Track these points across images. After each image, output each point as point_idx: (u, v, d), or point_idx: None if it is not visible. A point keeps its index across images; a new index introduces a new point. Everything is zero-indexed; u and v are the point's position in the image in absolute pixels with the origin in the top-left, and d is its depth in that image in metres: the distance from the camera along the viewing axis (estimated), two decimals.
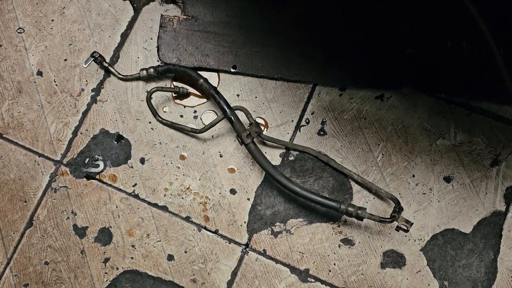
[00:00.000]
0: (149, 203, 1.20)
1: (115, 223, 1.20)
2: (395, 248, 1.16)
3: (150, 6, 1.30)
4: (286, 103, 1.24)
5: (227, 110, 1.15)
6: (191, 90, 1.25)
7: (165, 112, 1.25)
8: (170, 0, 1.30)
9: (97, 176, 1.22)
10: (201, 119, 1.24)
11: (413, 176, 1.19)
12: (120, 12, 1.30)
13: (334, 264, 1.15)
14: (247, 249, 1.17)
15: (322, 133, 1.22)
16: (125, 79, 1.26)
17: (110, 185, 1.21)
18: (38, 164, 1.23)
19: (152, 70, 1.22)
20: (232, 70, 1.25)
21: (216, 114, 1.24)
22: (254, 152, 1.13)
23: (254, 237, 1.18)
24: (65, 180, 1.22)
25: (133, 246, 1.19)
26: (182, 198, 1.20)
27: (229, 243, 1.18)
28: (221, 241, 1.18)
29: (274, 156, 1.21)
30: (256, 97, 1.24)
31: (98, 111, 1.25)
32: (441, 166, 1.19)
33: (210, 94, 1.17)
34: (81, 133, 1.24)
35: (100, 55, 1.25)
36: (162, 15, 1.28)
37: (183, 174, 1.21)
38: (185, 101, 1.25)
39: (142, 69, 1.23)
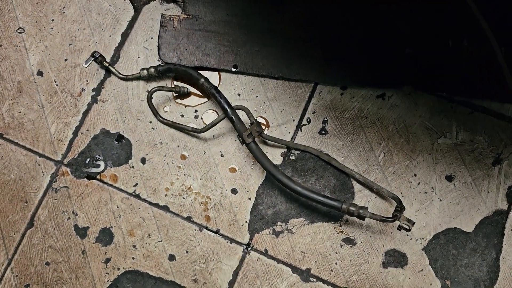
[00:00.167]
0: (150, 203, 1.20)
1: (116, 223, 1.19)
2: (397, 247, 1.15)
3: (151, 5, 1.30)
4: (287, 102, 1.23)
5: (228, 109, 1.14)
6: (191, 89, 1.25)
7: (165, 111, 1.24)
8: None
9: (98, 176, 1.22)
10: (202, 118, 1.24)
11: (415, 175, 1.18)
12: (121, 11, 1.30)
13: (336, 263, 1.15)
14: (249, 249, 1.17)
15: (323, 132, 1.22)
16: (126, 78, 1.25)
17: (111, 185, 1.21)
18: (39, 165, 1.23)
19: (152, 69, 1.22)
20: (233, 69, 1.25)
21: (217, 113, 1.24)
22: (255, 152, 1.12)
23: (255, 237, 1.17)
24: (65, 180, 1.22)
25: (134, 246, 1.18)
26: (183, 198, 1.20)
27: (231, 243, 1.18)
28: (223, 241, 1.18)
29: (275, 156, 1.21)
30: (257, 97, 1.24)
31: (99, 111, 1.25)
32: (443, 165, 1.18)
33: (211, 93, 1.17)
34: (81, 133, 1.24)
35: (101, 55, 1.25)
36: (162, 14, 1.28)
37: (184, 174, 1.21)
38: (186, 101, 1.25)
39: (142, 69, 1.23)
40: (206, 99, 1.25)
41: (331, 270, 1.15)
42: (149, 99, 1.22)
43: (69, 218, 1.20)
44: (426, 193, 1.17)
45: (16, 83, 1.27)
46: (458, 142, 1.19)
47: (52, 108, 1.25)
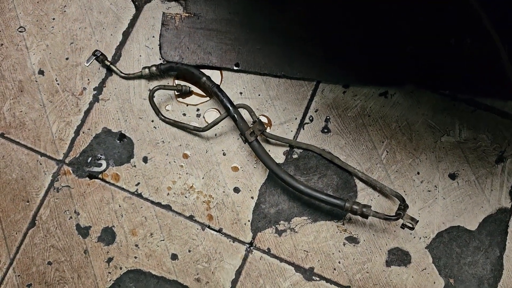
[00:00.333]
0: (152, 202, 1.20)
1: (118, 223, 1.19)
2: (400, 246, 1.15)
3: (152, 4, 1.29)
4: (290, 101, 1.23)
5: (230, 108, 1.14)
6: (193, 88, 1.25)
7: (167, 110, 1.24)
8: None
9: (100, 176, 1.21)
10: (204, 117, 1.23)
11: (418, 173, 1.18)
12: (122, 10, 1.30)
13: (339, 262, 1.15)
14: (251, 247, 1.17)
15: (326, 130, 1.21)
16: (127, 77, 1.25)
17: (113, 184, 1.21)
18: (40, 164, 1.22)
19: (154, 68, 1.22)
20: (235, 67, 1.24)
21: (219, 112, 1.24)
22: (257, 150, 1.12)
23: (258, 236, 1.17)
24: (67, 180, 1.21)
25: (136, 245, 1.18)
26: (186, 197, 1.19)
27: (233, 242, 1.17)
28: (225, 240, 1.17)
29: (277, 154, 1.20)
30: (259, 95, 1.24)
31: (100, 110, 1.24)
32: (446, 163, 1.18)
33: (213, 92, 1.17)
34: (83, 132, 1.23)
35: (102, 54, 1.24)
36: (164, 13, 1.27)
37: (186, 173, 1.20)
38: (187, 99, 1.25)
39: (144, 68, 1.23)
40: (208, 98, 1.24)
41: (334, 269, 1.15)
42: (151, 98, 1.21)
43: (71, 217, 1.20)
44: (429, 191, 1.17)
45: (17, 82, 1.26)
46: (461, 140, 1.19)
47: (53, 107, 1.25)
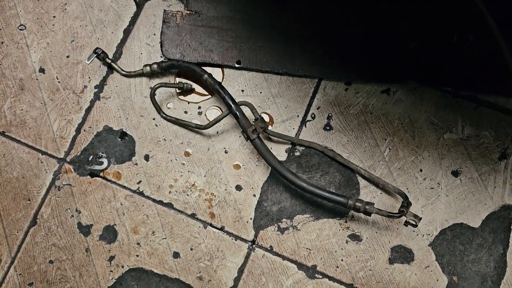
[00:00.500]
0: (154, 200, 1.19)
1: (120, 221, 1.19)
2: (403, 243, 1.14)
3: (153, 1, 1.29)
4: (292, 98, 1.23)
5: (232, 105, 1.13)
6: (195, 86, 1.24)
7: (169, 108, 1.24)
8: None
9: (101, 174, 1.21)
10: (205, 115, 1.23)
11: (421, 170, 1.17)
12: (123, 7, 1.29)
13: (342, 260, 1.14)
14: (254, 245, 1.16)
15: (328, 128, 1.21)
16: (128, 75, 1.24)
17: (115, 183, 1.20)
18: (42, 162, 1.22)
19: (155, 66, 1.21)
20: (237, 65, 1.24)
21: (221, 110, 1.23)
22: (260, 148, 1.12)
23: (260, 234, 1.17)
24: (69, 178, 1.21)
25: (138, 243, 1.17)
26: (187, 195, 1.19)
27: (235, 240, 1.17)
28: (227, 238, 1.17)
29: (279, 152, 1.20)
30: (261, 92, 1.23)
31: (102, 108, 1.24)
32: (448, 160, 1.18)
33: (215, 89, 1.16)
34: (84, 131, 1.23)
35: (103, 52, 1.24)
36: (165, 10, 1.27)
37: (188, 171, 1.20)
38: (189, 97, 1.24)
39: (145, 65, 1.22)
40: (209, 96, 1.24)
41: (337, 267, 1.14)
42: (152, 95, 1.21)
43: (72, 215, 1.19)
44: (432, 188, 1.17)
45: (18, 80, 1.26)
46: (464, 137, 1.19)
47: (54, 105, 1.24)
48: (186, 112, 1.23)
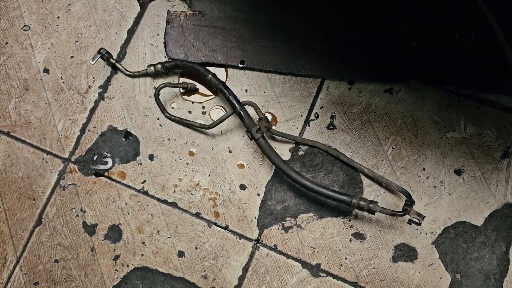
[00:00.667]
0: (158, 199, 1.20)
1: (124, 220, 1.19)
2: (407, 241, 1.15)
3: (156, 2, 1.29)
4: (295, 98, 1.23)
5: (237, 105, 1.14)
6: (198, 85, 1.25)
7: (173, 108, 1.24)
8: None
9: (106, 173, 1.21)
10: (209, 115, 1.24)
11: (424, 169, 1.18)
12: (126, 8, 1.30)
13: (346, 258, 1.15)
14: (258, 244, 1.17)
15: (331, 127, 1.22)
16: (133, 75, 1.25)
17: (119, 182, 1.21)
18: (46, 162, 1.22)
19: (159, 66, 1.22)
20: (240, 65, 1.25)
21: (224, 109, 1.24)
22: (264, 147, 1.12)
23: (264, 233, 1.17)
24: (73, 178, 1.21)
25: (143, 243, 1.18)
26: (192, 194, 1.20)
27: (240, 239, 1.17)
28: (232, 237, 1.18)
29: (283, 151, 1.20)
30: (264, 92, 1.24)
31: (106, 108, 1.24)
32: (451, 159, 1.18)
33: (219, 89, 1.17)
34: (89, 130, 1.23)
35: (107, 52, 1.25)
36: (168, 10, 1.27)
37: (192, 170, 1.21)
38: (193, 97, 1.25)
39: (149, 65, 1.23)
40: (213, 95, 1.25)
41: (341, 265, 1.15)
42: (157, 95, 1.21)
43: (77, 215, 1.20)
44: (435, 187, 1.17)
45: (22, 80, 1.26)
46: (467, 136, 1.19)
47: (59, 105, 1.25)
48: (190, 112, 1.24)
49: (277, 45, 1.25)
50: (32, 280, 1.18)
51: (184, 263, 1.17)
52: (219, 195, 1.19)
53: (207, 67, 1.23)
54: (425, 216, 1.07)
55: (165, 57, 1.26)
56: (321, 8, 1.25)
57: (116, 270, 1.17)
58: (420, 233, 1.15)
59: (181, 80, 1.26)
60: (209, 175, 1.20)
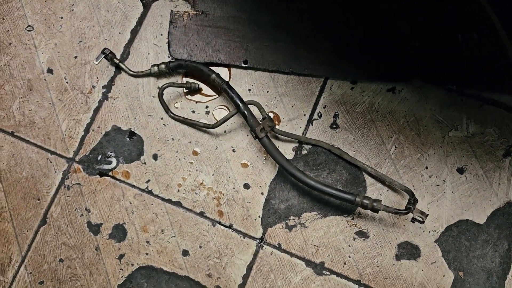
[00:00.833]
0: (162, 199, 1.20)
1: (129, 220, 1.20)
2: (410, 240, 1.16)
3: (160, 2, 1.30)
4: (298, 97, 1.24)
5: (241, 104, 1.15)
6: (202, 85, 1.25)
7: (176, 108, 1.25)
8: None
9: (110, 173, 1.22)
10: (213, 114, 1.24)
11: (426, 168, 1.19)
12: (130, 8, 1.30)
13: (349, 256, 1.16)
14: (262, 243, 1.18)
15: (334, 126, 1.22)
16: (136, 75, 1.26)
17: (123, 182, 1.21)
18: (51, 162, 1.23)
19: (163, 66, 1.22)
20: (243, 65, 1.25)
21: (228, 109, 1.24)
22: (268, 146, 1.13)
23: (268, 231, 1.18)
24: (78, 177, 1.22)
25: (147, 242, 1.19)
26: (196, 194, 1.20)
27: (244, 238, 1.18)
28: (236, 236, 1.18)
29: (287, 150, 1.21)
30: (267, 92, 1.24)
31: (110, 108, 1.25)
32: (454, 158, 1.19)
33: (223, 89, 1.17)
34: (93, 130, 1.24)
35: (111, 52, 1.25)
36: (172, 11, 1.28)
37: (196, 170, 1.21)
38: (196, 97, 1.25)
39: (153, 65, 1.23)
40: (216, 95, 1.25)
41: (345, 263, 1.16)
42: (160, 95, 1.22)
43: (82, 214, 1.20)
44: (437, 185, 1.18)
45: (26, 81, 1.27)
46: (469, 134, 1.20)
47: (62, 105, 1.25)
48: (193, 112, 1.24)
49: (280, 45, 1.25)
50: (37, 279, 1.19)
51: (188, 262, 1.18)
52: (223, 194, 1.20)
53: (211, 67, 1.23)
54: (428, 214, 1.08)
55: (168, 57, 1.27)
56: (324, 8, 1.26)
57: (121, 269, 1.18)
58: (423, 231, 1.16)
59: (185, 80, 1.26)
60: (213, 175, 1.21)
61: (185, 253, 1.18)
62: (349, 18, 1.25)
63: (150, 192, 1.21)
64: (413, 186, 1.18)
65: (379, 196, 1.18)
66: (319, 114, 1.23)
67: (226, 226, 1.19)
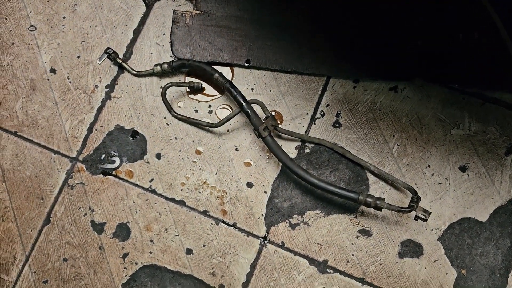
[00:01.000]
0: (166, 198, 1.21)
1: (132, 219, 1.20)
2: (413, 237, 1.16)
3: (162, 1, 1.30)
4: (301, 96, 1.24)
5: (244, 103, 1.15)
6: (205, 84, 1.26)
7: (179, 107, 1.25)
8: None
9: (114, 172, 1.22)
10: (216, 113, 1.25)
11: (429, 166, 1.19)
12: (132, 8, 1.30)
13: (352, 254, 1.16)
14: (265, 241, 1.18)
15: (337, 125, 1.23)
16: (139, 75, 1.26)
17: (127, 181, 1.22)
18: (54, 161, 1.23)
19: (166, 65, 1.22)
20: (246, 64, 1.26)
21: (231, 108, 1.25)
22: (271, 145, 1.13)
23: (272, 230, 1.18)
24: (81, 177, 1.22)
25: (151, 241, 1.19)
26: (199, 193, 1.21)
27: (247, 236, 1.18)
28: (239, 234, 1.19)
29: (289, 149, 1.21)
30: (270, 91, 1.25)
31: (113, 108, 1.25)
32: (456, 156, 1.20)
33: (226, 88, 1.18)
34: (96, 130, 1.24)
35: (114, 51, 1.25)
36: (174, 10, 1.28)
37: (200, 169, 1.22)
38: (199, 96, 1.26)
39: (156, 65, 1.23)
40: (219, 94, 1.25)
41: (348, 261, 1.16)
42: (163, 94, 1.22)
43: (85, 214, 1.21)
44: (440, 183, 1.19)
45: (29, 80, 1.27)
46: (471, 133, 1.21)
47: (66, 105, 1.26)
48: (196, 111, 1.25)
49: (283, 44, 1.26)
50: (41, 278, 1.19)
51: (192, 261, 1.18)
52: (226, 193, 1.20)
53: (213, 66, 1.24)
54: (431, 212, 1.09)
55: (171, 56, 1.27)
56: (325, 8, 1.26)
57: (125, 268, 1.18)
58: (426, 229, 1.17)
59: (188, 79, 1.27)
60: (216, 173, 1.21)
61: (189, 251, 1.18)
62: (350, 18, 1.26)
63: (153, 191, 1.21)
64: (415, 184, 1.19)
65: (382, 194, 1.18)
66: (322, 113, 1.23)
67: (229, 225, 1.19)
